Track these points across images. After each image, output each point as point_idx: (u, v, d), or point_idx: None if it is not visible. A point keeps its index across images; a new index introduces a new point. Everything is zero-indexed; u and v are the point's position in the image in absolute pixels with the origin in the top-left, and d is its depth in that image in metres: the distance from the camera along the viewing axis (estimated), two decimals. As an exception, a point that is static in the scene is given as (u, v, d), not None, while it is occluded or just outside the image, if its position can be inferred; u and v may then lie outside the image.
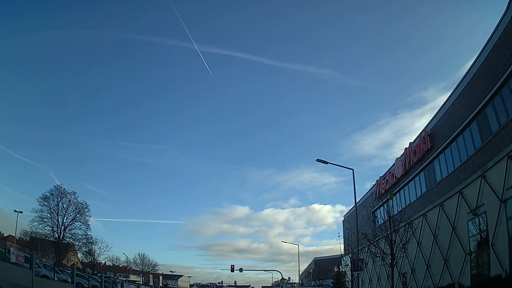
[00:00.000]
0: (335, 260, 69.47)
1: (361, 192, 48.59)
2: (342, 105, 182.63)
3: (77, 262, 79.85)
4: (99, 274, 48.30)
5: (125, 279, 74.61)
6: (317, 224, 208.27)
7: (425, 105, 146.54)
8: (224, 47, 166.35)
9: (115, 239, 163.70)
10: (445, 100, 26.40)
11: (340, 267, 57.41)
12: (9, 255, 22.88)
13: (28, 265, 21.68)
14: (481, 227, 20.15)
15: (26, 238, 63.35)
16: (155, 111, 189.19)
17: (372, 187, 43.21)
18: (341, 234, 58.57)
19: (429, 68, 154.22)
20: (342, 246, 55.97)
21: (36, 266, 26.05)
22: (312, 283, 72.93)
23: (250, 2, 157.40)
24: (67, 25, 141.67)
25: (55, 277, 27.84)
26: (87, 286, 31.99)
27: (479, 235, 20.53)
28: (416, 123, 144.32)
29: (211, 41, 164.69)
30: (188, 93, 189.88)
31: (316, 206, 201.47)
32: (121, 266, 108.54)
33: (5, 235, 68.98)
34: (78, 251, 70.97)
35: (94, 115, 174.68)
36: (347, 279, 48.83)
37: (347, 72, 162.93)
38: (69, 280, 28.33)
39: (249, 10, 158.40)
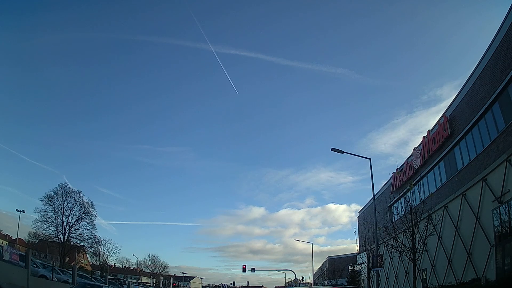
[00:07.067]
0: (349, 259, 68.39)
1: (376, 189, 46.86)
2: (359, 104, 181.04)
3: (86, 264, 79.30)
4: (109, 276, 47.13)
5: (135, 281, 73.65)
6: (332, 224, 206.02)
7: (440, 103, 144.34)
8: (239, 47, 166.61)
9: (129, 242, 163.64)
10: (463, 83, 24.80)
11: (355, 265, 55.80)
12: (2, 253, 21.73)
13: (24, 264, 20.48)
14: (510, 215, 18.63)
15: (35, 241, 62.55)
16: (169, 113, 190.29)
17: (389, 180, 41.53)
18: (357, 231, 56.82)
19: (445, 65, 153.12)
20: (357, 245, 54.29)
21: (34, 265, 25.04)
22: (325, 283, 71.30)
23: (265, 1, 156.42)
24: (82, 28, 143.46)
25: (55, 278, 26.68)
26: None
27: (505, 224, 19.18)
28: (431, 121, 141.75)
29: (225, 41, 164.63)
30: (202, 93, 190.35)
31: (331, 206, 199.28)
32: (132, 268, 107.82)
33: (13, 237, 68.59)
34: (86, 253, 69.91)
35: (107, 118, 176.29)
36: (362, 277, 47.28)
37: (364, 72, 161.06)
38: (70, 280, 27.21)
39: (264, 9, 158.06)
